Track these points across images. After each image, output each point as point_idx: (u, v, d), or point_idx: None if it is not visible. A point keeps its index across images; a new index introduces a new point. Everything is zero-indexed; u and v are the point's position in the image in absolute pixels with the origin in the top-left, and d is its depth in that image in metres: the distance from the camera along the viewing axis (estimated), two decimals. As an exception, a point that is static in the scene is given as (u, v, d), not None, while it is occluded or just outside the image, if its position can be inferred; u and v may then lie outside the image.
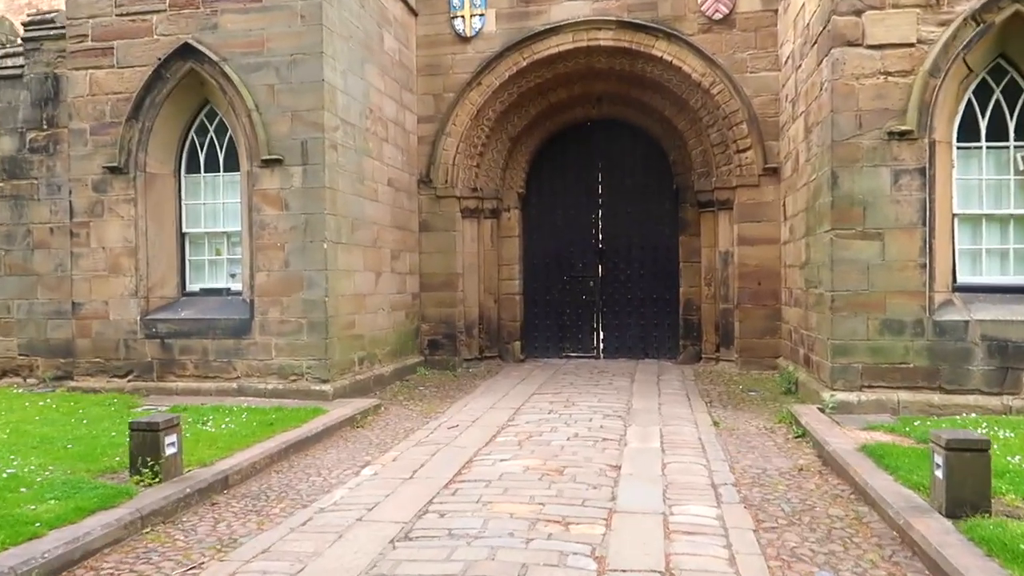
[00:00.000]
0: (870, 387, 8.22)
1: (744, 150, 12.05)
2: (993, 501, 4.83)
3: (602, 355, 14.04)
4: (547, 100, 13.39)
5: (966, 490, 4.72)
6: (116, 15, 10.02)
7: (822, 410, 8.16)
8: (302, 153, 9.52)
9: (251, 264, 9.68)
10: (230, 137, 10.05)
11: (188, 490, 5.51)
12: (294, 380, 9.50)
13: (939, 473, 4.84)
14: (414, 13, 12.78)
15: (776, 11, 11.77)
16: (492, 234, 13.71)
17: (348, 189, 10.22)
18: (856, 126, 8.21)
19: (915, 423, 7.37)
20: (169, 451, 5.68)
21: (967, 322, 8.04)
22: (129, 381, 9.92)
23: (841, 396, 8.18)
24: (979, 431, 6.86)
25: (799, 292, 10.32)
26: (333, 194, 9.74)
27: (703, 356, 13.04)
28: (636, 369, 12.57)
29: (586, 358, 13.99)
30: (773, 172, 11.85)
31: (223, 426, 7.52)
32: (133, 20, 9.99)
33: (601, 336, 14.14)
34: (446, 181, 12.92)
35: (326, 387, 9.39)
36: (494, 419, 8.52)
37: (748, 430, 8.05)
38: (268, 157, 9.53)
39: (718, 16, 11.99)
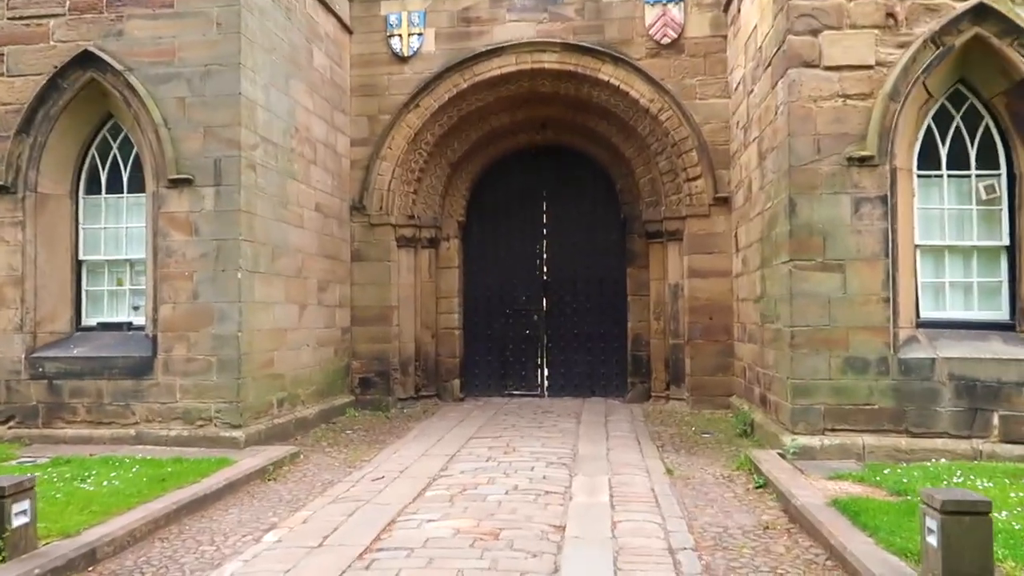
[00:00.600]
0: (833, 430, 7.60)
1: (694, 179, 11.54)
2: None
3: (547, 393, 13.25)
4: (489, 125, 12.72)
5: (965, 561, 4.04)
6: (8, 19, 9.00)
7: (783, 455, 7.51)
8: (215, 173, 8.60)
9: (155, 295, 8.65)
10: (136, 155, 9.07)
11: (38, 571, 4.49)
12: (201, 426, 8.45)
13: (932, 540, 4.16)
14: (348, 30, 12.02)
15: (726, 36, 11.36)
16: (430, 265, 12.88)
17: (268, 213, 9.31)
18: (814, 151, 7.70)
19: (885, 471, 6.75)
20: (18, 521, 4.65)
21: (933, 360, 7.51)
22: (10, 428, 8.71)
23: (803, 440, 7.54)
24: (954, 480, 6.31)
25: (753, 327, 9.74)
26: (250, 218, 8.82)
27: (653, 394, 12.36)
28: (583, 409, 11.79)
29: (530, 396, 13.17)
30: (724, 202, 11.35)
31: (106, 483, 6.47)
32: (27, 25, 8.98)
33: (546, 373, 13.36)
34: (381, 208, 12.09)
35: (237, 433, 8.37)
36: (425, 468, 7.63)
37: (705, 479, 7.33)
38: (176, 176, 8.58)
39: (666, 40, 11.53)
